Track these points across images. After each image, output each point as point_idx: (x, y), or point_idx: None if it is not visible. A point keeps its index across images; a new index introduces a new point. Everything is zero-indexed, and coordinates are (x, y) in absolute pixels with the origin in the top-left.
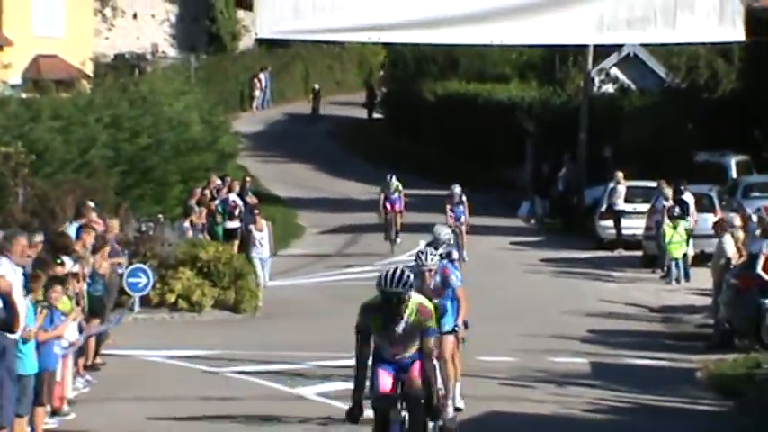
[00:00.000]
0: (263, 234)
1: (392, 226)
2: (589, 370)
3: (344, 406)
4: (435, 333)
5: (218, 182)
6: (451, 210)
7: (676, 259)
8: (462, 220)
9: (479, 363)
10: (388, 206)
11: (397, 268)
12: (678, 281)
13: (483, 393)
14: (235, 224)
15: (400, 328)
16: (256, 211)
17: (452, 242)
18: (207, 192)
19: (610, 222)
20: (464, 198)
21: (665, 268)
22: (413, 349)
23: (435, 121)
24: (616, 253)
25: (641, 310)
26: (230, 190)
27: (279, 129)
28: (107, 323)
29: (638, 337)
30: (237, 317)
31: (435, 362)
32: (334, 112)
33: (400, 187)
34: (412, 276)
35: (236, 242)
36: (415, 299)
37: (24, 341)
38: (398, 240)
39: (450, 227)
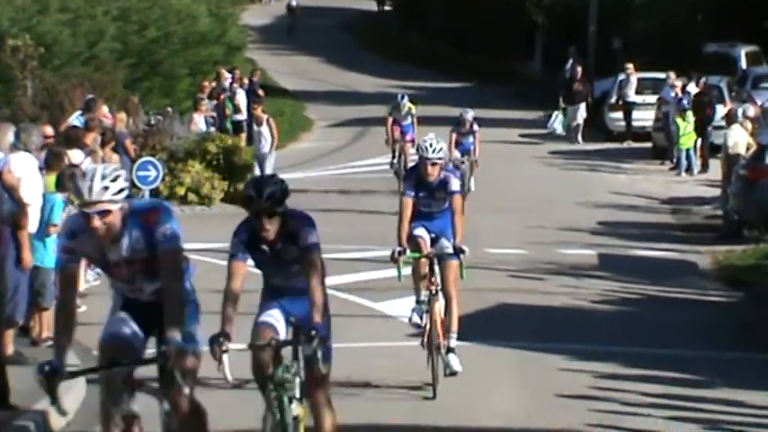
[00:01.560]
0: (261, 128)
1: (400, 156)
2: (598, 261)
3: (357, 299)
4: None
5: (228, 75)
6: (458, 141)
7: (687, 150)
8: (471, 151)
9: (488, 255)
10: (397, 132)
11: None
12: (688, 172)
13: (493, 285)
14: (241, 117)
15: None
16: (255, 105)
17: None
18: (215, 84)
19: (619, 114)
20: (476, 126)
21: (675, 160)
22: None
23: (445, 13)
24: (625, 145)
25: (650, 201)
26: (240, 83)
27: (287, 21)
28: None
29: (646, 229)
30: None
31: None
32: (343, 4)
33: (413, 110)
34: None
35: (243, 135)
36: None
37: (47, 235)
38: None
39: (454, 163)
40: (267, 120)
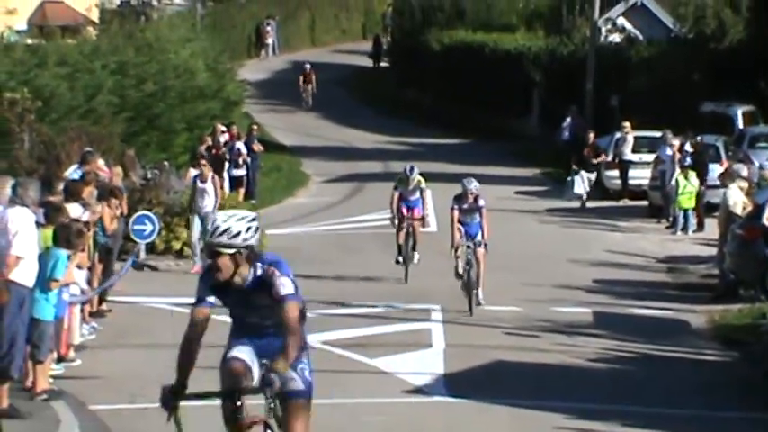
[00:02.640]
0: (206, 185)
1: (407, 239)
2: (593, 319)
3: (353, 355)
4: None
5: (223, 129)
6: (461, 220)
7: (685, 210)
8: (479, 238)
9: (484, 312)
10: (404, 210)
11: None
12: (684, 231)
13: (488, 342)
14: (240, 172)
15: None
16: (202, 161)
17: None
18: (212, 139)
19: (616, 172)
20: (482, 201)
21: (671, 218)
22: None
23: (442, 70)
24: (621, 203)
25: (646, 259)
26: (238, 138)
27: (284, 77)
28: (120, 272)
29: (642, 287)
30: None
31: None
32: (340, 60)
33: (423, 183)
34: None
35: (242, 190)
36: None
37: (48, 289)
38: (416, 259)
39: (457, 251)
40: (212, 177)
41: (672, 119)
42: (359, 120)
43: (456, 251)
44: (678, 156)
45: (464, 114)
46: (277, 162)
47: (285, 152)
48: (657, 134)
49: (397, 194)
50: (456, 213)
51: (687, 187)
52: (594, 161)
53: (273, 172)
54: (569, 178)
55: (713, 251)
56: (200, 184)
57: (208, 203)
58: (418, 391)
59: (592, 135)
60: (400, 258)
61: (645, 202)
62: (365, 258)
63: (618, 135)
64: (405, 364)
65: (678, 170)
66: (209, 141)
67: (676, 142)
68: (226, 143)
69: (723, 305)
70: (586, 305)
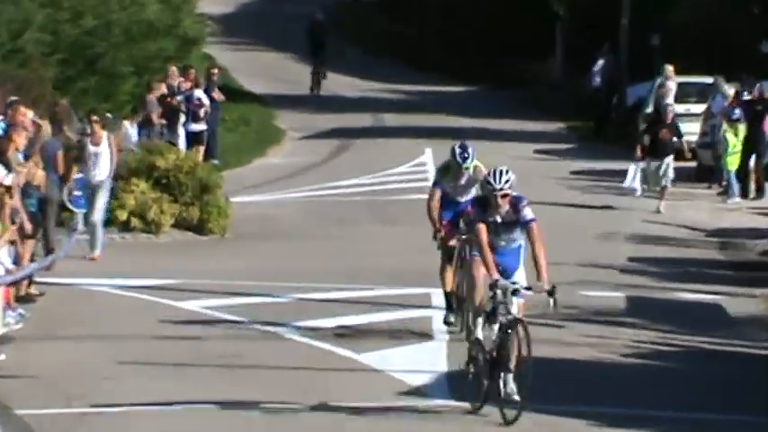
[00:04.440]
0: (99, 149)
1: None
2: (628, 306)
3: (337, 349)
4: None
5: (179, 73)
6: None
7: (736, 171)
8: (519, 278)
9: None
10: (448, 222)
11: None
12: (743, 197)
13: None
14: (200, 126)
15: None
16: (93, 117)
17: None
18: (165, 86)
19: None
20: (526, 211)
21: (725, 182)
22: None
23: (444, 1)
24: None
25: (693, 233)
26: (196, 84)
27: (253, 9)
28: (59, 253)
29: (688, 267)
30: (202, 239)
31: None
32: None
33: (480, 168)
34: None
35: (202, 148)
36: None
37: None
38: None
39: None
40: (108, 138)
41: (725, 61)
42: (343, 62)
43: (478, 302)
44: (731, 105)
45: (471, 56)
46: (244, 114)
47: (254, 102)
48: (708, 80)
49: (438, 193)
50: (482, 229)
51: (737, 146)
52: (676, 142)
53: (240, 126)
54: (631, 167)
55: None
56: (91, 147)
57: (100, 173)
58: (416, 392)
59: (671, 111)
60: (451, 318)
61: (693, 163)
62: (353, 231)
63: (659, 81)
64: (400, 360)
65: (725, 124)
66: (163, 89)
67: (731, 91)
68: (182, 91)
69: None
70: (620, 288)
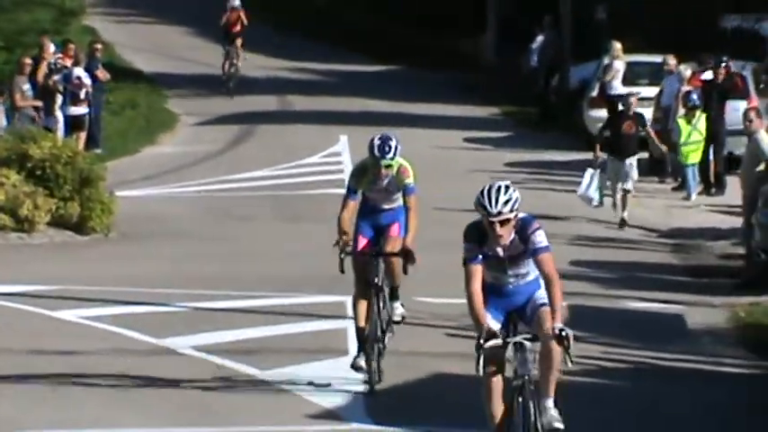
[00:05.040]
0: None
1: (377, 303)
2: (570, 317)
3: (238, 365)
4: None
5: (54, 48)
6: (492, 279)
7: (694, 165)
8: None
9: (421, 305)
10: (364, 237)
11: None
12: (700, 194)
13: (425, 348)
14: (80, 110)
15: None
16: None
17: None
18: (41, 63)
19: (603, 112)
20: (538, 237)
21: (680, 177)
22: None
23: None
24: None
25: (645, 233)
26: (76, 62)
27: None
28: None
29: (638, 272)
30: (83, 239)
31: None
32: None
33: (410, 176)
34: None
35: (83, 134)
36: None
37: None
38: (398, 313)
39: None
40: None
41: (680, 38)
42: (249, 38)
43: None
44: (685, 90)
45: (392, 31)
46: (132, 96)
47: (143, 82)
48: (659, 59)
49: (352, 203)
50: (474, 275)
51: (692, 134)
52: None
53: (127, 110)
54: (587, 172)
55: (737, 222)
56: None
57: None
58: (329, 415)
59: (633, 99)
60: (360, 361)
61: (644, 154)
62: (256, 231)
63: (605, 61)
64: (310, 379)
65: (681, 110)
66: (29, 66)
67: (688, 72)
68: (59, 68)
69: (751, 297)
70: (562, 297)
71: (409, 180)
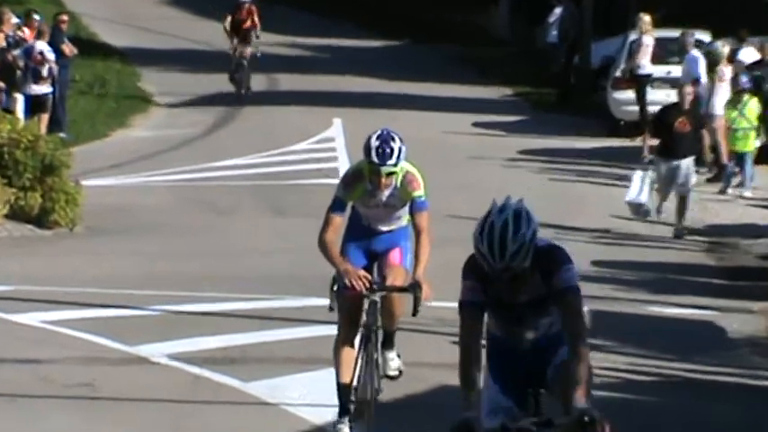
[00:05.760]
0: None
1: (367, 344)
2: (591, 324)
3: (219, 377)
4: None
5: (16, 20)
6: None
7: (740, 154)
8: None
9: (425, 310)
10: (360, 265)
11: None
12: (740, 186)
13: (426, 358)
14: (43, 88)
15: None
16: None
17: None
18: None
19: (630, 94)
20: (564, 274)
21: (717, 167)
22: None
23: None
24: (638, 141)
25: (676, 230)
26: (39, 35)
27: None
28: None
29: (668, 273)
30: (45, 233)
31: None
32: None
33: (419, 187)
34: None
35: (46, 116)
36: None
37: None
38: (393, 367)
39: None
40: None
41: (718, 11)
42: (228, 7)
43: None
44: (726, 72)
45: (394, 2)
46: (100, 73)
47: (113, 58)
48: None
49: (338, 220)
50: (471, 334)
51: (741, 121)
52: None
53: (95, 89)
54: (636, 173)
55: None
56: None
57: None
58: (317, 431)
59: (689, 90)
60: (344, 428)
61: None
62: (241, 224)
63: (632, 37)
64: (297, 391)
65: (729, 94)
66: (1, 42)
67: (726, 48)
68: (18, 42)
69: None
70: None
71: (419, 193)
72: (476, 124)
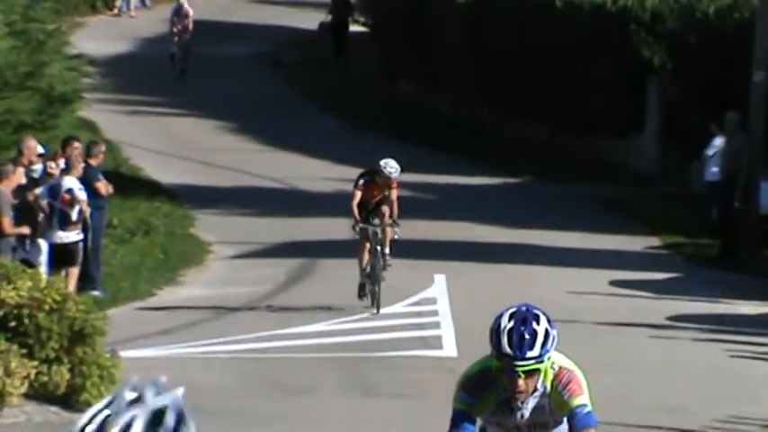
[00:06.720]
0: None
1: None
2: None
3: None
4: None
5: (41, 150)
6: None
7: None
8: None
9: None
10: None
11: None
12: None
13: None
14: (72, 235)
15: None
16: None
17: None
18: (20, 169)
19: None
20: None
21: None
22: None
23: (468, 40)
24: None
25: None
26: (67, 168)
27: (161, 49)
28: None
29: None
30: (74, 418)
31: None
32: (267, 19)
33: (571, 374)
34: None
35: (75, 270)
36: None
37: None
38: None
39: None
40: None
41: None
42: (305, 135)
43: None
44: None
45: (508, 127)
46: (145, 216)
47: (160, 197)
48: None
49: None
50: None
51: None
52: None
53: (137, 236)
54: None
55: None
56: None
57: None
58: None
59: None
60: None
61: None
62: (318, 408)
63: None
64: None
65: None
66: (20, 175)
67: None
68: (43, 177)
69: None
70: None
71: (580, 400)
72: (613, 283)
